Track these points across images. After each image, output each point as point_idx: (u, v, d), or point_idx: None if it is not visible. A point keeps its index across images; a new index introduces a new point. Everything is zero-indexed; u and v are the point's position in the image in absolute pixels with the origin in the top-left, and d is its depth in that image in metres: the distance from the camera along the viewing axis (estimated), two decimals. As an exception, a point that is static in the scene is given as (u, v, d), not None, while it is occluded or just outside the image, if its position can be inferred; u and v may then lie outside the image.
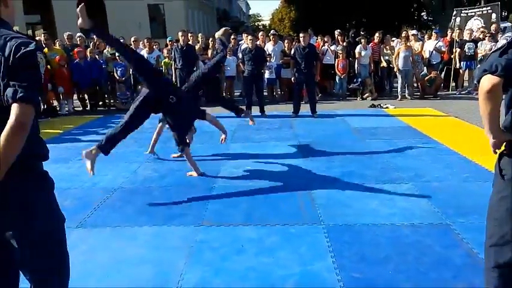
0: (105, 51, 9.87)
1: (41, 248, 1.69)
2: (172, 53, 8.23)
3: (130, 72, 9.57)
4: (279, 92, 10.67)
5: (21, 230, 1.65)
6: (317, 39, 11.87)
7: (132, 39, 10.24)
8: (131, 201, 4.04)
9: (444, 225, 3.30)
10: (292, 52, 8.25)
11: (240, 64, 8.60)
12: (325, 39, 11.07)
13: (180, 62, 7.98)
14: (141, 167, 5.14)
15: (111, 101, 10.08)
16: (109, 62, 9.68)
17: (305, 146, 5.92)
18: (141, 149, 5.87)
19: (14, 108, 1.48)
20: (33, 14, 22.33)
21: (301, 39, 8.18)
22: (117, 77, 9.60)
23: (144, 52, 9.81)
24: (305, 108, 8.26)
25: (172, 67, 8.31)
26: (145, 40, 10.09)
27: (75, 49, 9.49)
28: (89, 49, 9.61)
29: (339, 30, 11.21)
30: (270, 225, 3.43)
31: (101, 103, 10.09)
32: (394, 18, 27.34)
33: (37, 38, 10.66)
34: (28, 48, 1.53)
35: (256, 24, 72.57)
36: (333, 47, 10.59)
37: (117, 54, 9.58)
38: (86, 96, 9.91)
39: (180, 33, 8.23)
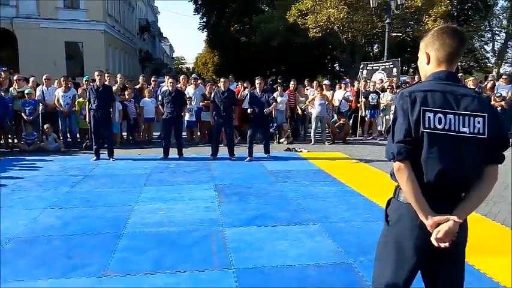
0: (11, 88, 9.25)
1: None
2: (88, 93, 7.95)
3: (40, 111, 9.04)
4: (198, 134, 10.71)
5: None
6: (237, 84, 12.29)
7: (44, 77, 9.76)
8: (27, 253, 3.70)
9: (346, 263, 3.47)
10: (212, 96, 8.43)
11: (160, 106, 8.55)
12: (245, 84, 11.50)
13: (95, 102, 7.71)
14: (42, 214, 4.76)
15: (15, 141, 9.34)
16: (15, 100, 9.06)
17: (221, 189, 5.94)
18: (45, 194, 5.47)
19: None
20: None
21: (220, 84, 8.41)
22: (25, 117, 9.00)
23: (59, 91, 9.38)
24: (224, 151, 8.36)
25: (87, 107, 8.01)
26: (61, 79, 9.65)
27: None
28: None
29: (259, 77, 11.69)
30: (180, 273, 3.34)
31: (2, 142, 9.29)
32: (310, 68, 29.29)
33: None
34: None
35: (180, 66, 73.22)
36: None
37: (26, 91, 9.04)
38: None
39: (96, 73, 8.03)
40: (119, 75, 10.85)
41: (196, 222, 4.56)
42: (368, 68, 13.52)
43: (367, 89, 11.23)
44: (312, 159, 8.24)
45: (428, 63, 1.79)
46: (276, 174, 6.95)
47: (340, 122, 10.71)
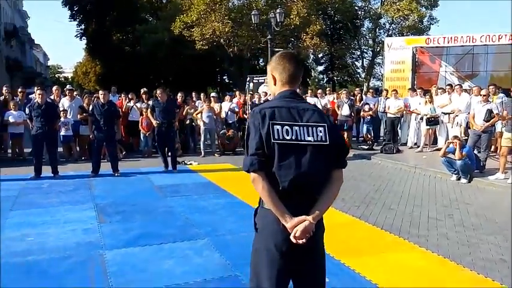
0: None
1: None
2: None
3: None
4: (77, 150, 9.88)
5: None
6: (119, 97, 11.70)
7: None
8: None
9: (233, 276, 3.45)
10: (91, 109, 7.86)
11: (28, 120, 7.67)
12: (130, 96, 11.00)
13: None
14: None
15: None
16: None
17: (102, 208, 5.52)
18: None
19: None
20: None
21: (100, 96, 7.89)
22: None
23: None
24: (107, 167, 7.82)
25: None
26: None
27: None
28: None
29: (144, 89, 11.34)
30: (49, 307, 2.97)
31: None
32: (199, 80, 29.34)
33: None
34: None
35: (56, 76, 67.26)
36: (138, 105, 10.59)
37: None
38: None
39: None
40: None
41: (72, 247, 4.14)
42: (254, 80, 14.02)
43: (253, 101, 11.59)
44: (202, 172, 8.17)
45: (275, 84, 2.01)
46: (163, 189, 6.71)
47: (229, 133, 10.85)
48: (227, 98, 12.37)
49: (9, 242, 4.26)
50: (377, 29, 29.10)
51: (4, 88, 10.09)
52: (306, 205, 1.86)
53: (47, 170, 7.47)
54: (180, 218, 5.15)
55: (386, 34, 27.79)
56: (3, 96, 9.64)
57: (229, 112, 11.59)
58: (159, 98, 8.23)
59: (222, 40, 23.21)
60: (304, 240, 1.81)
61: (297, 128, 1.87)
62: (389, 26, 28.70)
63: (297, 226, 1.80)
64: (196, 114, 10.53)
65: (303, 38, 24.12)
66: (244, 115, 11.82)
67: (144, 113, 10.11)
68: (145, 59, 27.54)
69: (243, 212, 5.39)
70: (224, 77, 37.43)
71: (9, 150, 9.50)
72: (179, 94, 11.37)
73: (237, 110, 11.84)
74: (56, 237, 4.43)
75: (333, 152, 1.91)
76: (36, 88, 9.02)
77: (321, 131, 1.89)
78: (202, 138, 10.47)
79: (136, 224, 4.91)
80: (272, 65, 2.02)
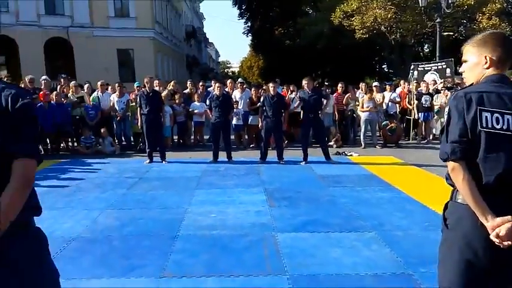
0: (69, 95, 9.76)
1: None
2: (138, 99, 8.24)
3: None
4: (246, 138, 10.78)
5: None
6: (283, 88, 12.26)
7: (99, 83, 10.23)
8: (89, 252, 3.86)
9: (406, 275, 3.33)
10: (261, 100, 8.45)
11: (208, 111, 8.70)
12: (291, 88, 11.45)
13: (146, 107, 7.98)
14: (101, 215, 4.96)
15: (75, 144, 9.85)
16: (75, 106, 9.57)
17: (271, 193, 5.92)
18: (103, 195, 5.70)
19: (20, 163, 1.44)
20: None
21: (270, 89, 8.40)
22: (88, 121, 9.51)
23: (114, 96, 9.79)
24: (272, 155, 8.35)
25: (138, 112, 8.30)
26: (116, 84, 10.10)
27: (41, 92, 9.31)
28: (54, 92, 9.46)
29: (306, 78, 11.62)
30: (233, 277, 3.35)
31: (62, 146, 9.83)
32: (357, 70, 28.74)
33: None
34: (26, 100, 1.49)
35: (225, 70, 74.37)
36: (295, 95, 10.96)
37: (91, 98, 9.55)
38: (48, 140, 9.64)
39: (145, 80, 8.30)
40: (172, 82, 11.16)
41: (248, 226, 4.56)
42: (419, 68, 13.02)
43: (419, 91, 10.82)
44: (363, 164, 8.03)
45: (488, 67, 1.80)
46: (326, 178, 6.84)
47: (392, 125, 10.38)
48: (387, 87, 11.75)
49: (196, 217, 4.93)
50: None
51: (188, 82, 11.67)
52: (511, 204, 1.66)
53: (222, 156, 8.35)
54: (344, 209, 5.18)
55: None
56: (188, 90, 11.14)
57: (389, 103, 11.06)
58: (305, 88, 8.25)
59: (383, 27, 22.16)
60: (509, 243, 1.62)
61: (509, 117, 1.67)
62: None
63: (500, 227, 1.62)
64: (360, 106, 10.33)
65: (478, 19, 21.29)
66: (409, 105, 11.13)
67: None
68: (304, 51, 28.19)
69: (411, 208, 5.15)
70: (383, 66, 35.80)
71: (192, 137, 10.92)
72: (339, 84, 11.33)
73: (398, 100, 11.21)
74: (234, 216, 4.94)
75: None
76: (213, 82, 10.19)
77: None
78: (363, 129, 10.26)
79: (302, 210, 5.13)
80: (481, 45, 1.82)
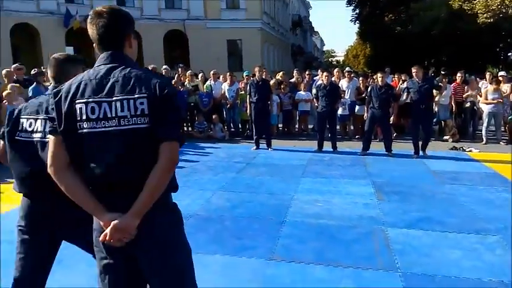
0: (186, 83, 10.48)
1: (179, 279, 1.71)
2: (248, 87, 8.52)
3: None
4: (352, 129, 10.50)
5: (158, 266, 1.66)
6: (393, 77, 11.64)
7: (212, 72, 10.81)
8: (204, 229, 4.14)
9: (542, 287, 2.96)
10: (368, 91, 8.14)
11: (314, 100, 8.65)
12: (403, 77, 10.81)
13: (255, 96, 8.22)
14: (214, 196, 5.28)
15: (189, 129, 10.59)
16: (190, 94, 10.26)
17: (379, 186, 5.70)
18: (215, 178, 6.05)
19: (167, 146, 1.55)
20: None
21: (378, 79, 8.05)
22: (201, 108, 10.17)
23: (225, 85, 10.28)
24: (379, 146, 8.02)
25: (247, 100, 8.60)
26: (227, 74, 10.60)
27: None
28: (173, 81, 10.25)
29: (416, 67, 10.90)
30: (342, 267, 3.32)
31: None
32: (477, 58, 26.01)
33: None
34: (171, 88, 1.63)
35: (329, 60, 73.10)
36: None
37: (204, 86, 10.20)
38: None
39: (256, 69, 8.54)
40: (281, 73, 11.33)
41: (355, 218, 4.47)
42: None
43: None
44: (485, 161, 7.29)
45: None
46: (440, 174, 6.36)
47: (520, 119, 9.22)
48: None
49: (303, 204, 4.96)
50: None
51: (295, 71, 11.73)
52: None
53: (327, 145, 8.26)
54: (463, 208, 4.77)
55: None
56: (294, 79, 11.20)
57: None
58: (414, 77, 7.64)
59: (511, 10, 19.66)
60: None
61: None
62: None
63: None
64: (483, 97, 9.35)
65: None
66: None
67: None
68: (417, 38, 26.33)
69: (545, 214, 4.54)
70: (509, 54, 31.77)
71: (297, 126, 10.98)
72: (458, 74, 10.36)
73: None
74: (340, 206, 4.88)
75: None
76: (320, 71, 10.07)
77: None
78: (485, 123, 9.28)
79: (414, 206, 4.85)
80: None
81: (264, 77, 8.91)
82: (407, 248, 3.67)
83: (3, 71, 7.97)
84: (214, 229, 4.15)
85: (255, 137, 8.47)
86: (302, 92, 10.29)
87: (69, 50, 23.34)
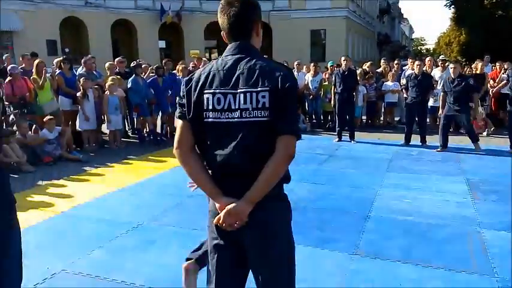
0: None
1: (281, 269, 1.73)
2: (334, 77, 8.36)
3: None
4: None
5: (263, 256, 1.69)
6: (493, 66, 10.63)
7: (295, 63, 10.77)
8: (287, 219, 4.18)
9: None
10: (442, 83, 7.48)
11: (403, 90, 8.23)
12: (505, 65, 9.83)
13: (340, 86, 8.05)
14: (296, 186, 5.28)
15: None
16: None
17: (474, 185, 5.29)
18: (297, 168, 6.07)
19: (285, 140, 1.58)
20: (211, 39, 25.48)
21: (450, 70, 7.37)
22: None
23: (308, 75, 10.19)
24: (468, 142, 7.41)
25: (332, 91, 8.44)
26: (311, 64, 10.50)
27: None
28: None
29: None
30: (432, 268, 3.16)
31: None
32: None
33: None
34: (294, 82, 1.63)
35: (419, 48, 68.76)
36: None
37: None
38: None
39: (342, 59, 8.35)
40: (368, 63, 10.90)
41: (447, 217, 4.21)
42: None
43: None
44: None
45: None
46: (546, 174, 5.72)
47: None
48: None
49: (388, 200, 4.78)
50: None
51: (382, 61, 11.24)
52: None
53: (415, 139, 7.83)
54: None
55: None
56: (381, 68, 10.75)
57: None
58: None
59: None
60: None
61: None
62: None
63: None
64: None
65: None
66: None
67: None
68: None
69: None
70: None
71: (381, 118, 10.55)
72: None
73: None
74: (431, 204, 4.62)
75: None
76: (410, 59, 9.55)
77: None
78: None
79: (516, 208, 4.44)
80: None
81: (350, 67, 8.68)
82: (506, 252, 3.38)
83: (107, 64, 8.73)
84: (296, 220, 4.10)
85: (337, 129, 8.31)
86: (389, 83, 9.85)
87: (162, 44, 24.99)
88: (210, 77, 1.67)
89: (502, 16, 27.60)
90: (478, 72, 9.53)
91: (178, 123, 1.74)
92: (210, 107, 1.64)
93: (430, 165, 6.42)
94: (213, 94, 1.64)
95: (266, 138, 1.60)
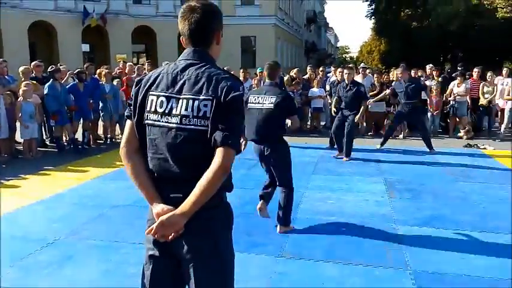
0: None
1: (220, 279, 1.68)
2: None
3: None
4: (365, 126, 10.40)
5: (198, 272, 1.62)
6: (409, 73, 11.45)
7: (225, 68, 10.79)
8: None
9: (556, 287, 2.91)
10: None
11: (327, 96, 8.59)
12: (419, 73, 10.66)
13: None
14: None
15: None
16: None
17: (391, 184, 5.66)
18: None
19: (221, 152, 1.51)
20: (138, 43, 24.76)
21: (345, 76, 7.67)
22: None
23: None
24: (389, 143, 7.94)
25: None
26: (241, 70, 10.60)
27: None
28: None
29: (431, 65, 10.80)
30: (352, 265, 3.30)
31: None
32: (495, 54, 25.48)
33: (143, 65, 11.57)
34: (239, 93, 1.56)
35: (343, 56, 72.46)
36: (427, 82, 10.15)
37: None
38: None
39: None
40: (295, 70, 11.19)
41: (367, 216, 4.44)
42: None
43: None
44: (499, 158, 7.17)
45: None
46: (454, 172, 6.28)
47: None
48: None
49: (313, 202, 4.95)
50: None
51: (308, 68, 11.64)
52: None
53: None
54: (476, 206, 4.71)
55: None
56: (307, 75, 11.14)
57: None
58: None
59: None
60: None
61: None
62: None
63: None
64: (507, 94, 9.17)
65: None
66: None
67: (433, 91, 9.63)
68: (434, 34, 25.94)
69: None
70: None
71: (309, 123, 10.93)
72: (475, 70, 10.17)
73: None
74: (352, 204, 4.85)
75: None
76: (333, 67, 10.00)
77: None
78: (505, 120, 9.09)
79: (426, 204, 4.81)
80: None
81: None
82: (418, 246, 3.64)
83: (21, 68, 8.07)
84: (224, 225, 4.16)
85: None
86: (315, 89, 10.23)
87: (85, 47, 23.76)
88: (158, 79, 1.64)
89: (417, 27, 30.02)
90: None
91: (126, 123, 1.72)
92: (152, 109, 1.62)
93: (352, 166, 6.75)
94: (158, 96, 1.62)
95: (202, 147, 1.55)
